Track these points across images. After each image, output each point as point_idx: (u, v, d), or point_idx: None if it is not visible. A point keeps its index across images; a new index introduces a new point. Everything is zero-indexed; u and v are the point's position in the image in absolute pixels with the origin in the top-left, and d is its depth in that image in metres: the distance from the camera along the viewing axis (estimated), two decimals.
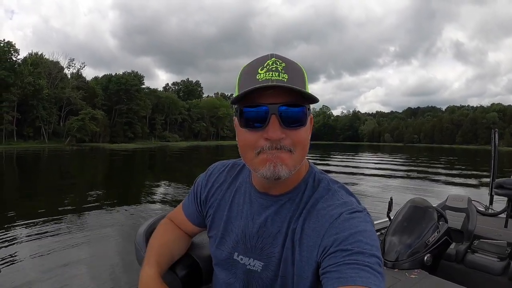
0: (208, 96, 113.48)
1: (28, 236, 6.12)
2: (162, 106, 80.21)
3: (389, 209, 2.89)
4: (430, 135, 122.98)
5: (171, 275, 0.96)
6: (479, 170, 20.51)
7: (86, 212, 8.14)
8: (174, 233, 1.00)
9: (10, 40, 52.60)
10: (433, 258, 2.33)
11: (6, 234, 6.17)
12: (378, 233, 2.95)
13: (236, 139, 0.79)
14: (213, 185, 0.96)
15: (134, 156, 33.62)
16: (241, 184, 0.92)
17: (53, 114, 57.22)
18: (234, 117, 0.78)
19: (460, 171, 21.50)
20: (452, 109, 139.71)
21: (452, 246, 2.70)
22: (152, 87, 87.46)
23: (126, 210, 8.55)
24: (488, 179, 4.99)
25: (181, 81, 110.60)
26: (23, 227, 6.66)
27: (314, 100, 0.73)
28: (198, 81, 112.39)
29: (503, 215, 3.64)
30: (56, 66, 61.61)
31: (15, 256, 5.12)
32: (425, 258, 2.28)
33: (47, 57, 61.71)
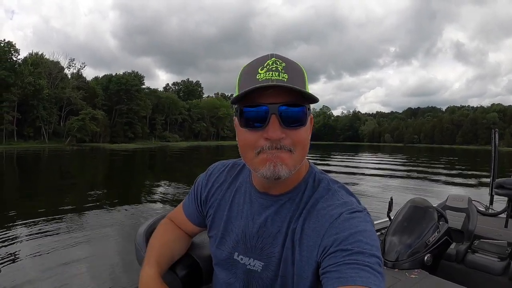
0: (208, 96, 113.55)
1: (29, 235, 6.13)
2: (163, 106, 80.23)
3: (389, 209, 2.89)
4: (430, 136, 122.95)
5: (171, 275, 0.96)
6: (479, 170, 20.50)
7: (87, 212, 8.15)
8: (174, 233, 1.00)
9: (11, 40, 52.82)
10: (434, 258, 2.33)
11: (7, 233, 6.18)
12: (378, 233, 2.95)
13: (236, 139, 0.79)
14: (213, 185, 0.96)
15: (134, 156, 33.63)
16: (241, 184, 0.92)
17: (54, 114, 57.24)
18: (234, 117, 0.78)
19: (460, 171, 21.50)
20: (452, 110, 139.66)
21: (453, 246, 2.70)
22: (152, 87, 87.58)
23: (126, 210, 8.55)
24: (488, 179, 4.99)
25: (181, 81, 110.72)
26: (23, 227, 6.67)
27: (314, 100, 0.73)
28: (198, 81, 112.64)
29: (504, 215, 3.63)
30: (56, 66, 61.63)
31: (16, 255, 5.14)
32: (425, 258, 2.28)
33: (47, 57, 61.83)
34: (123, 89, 68.15)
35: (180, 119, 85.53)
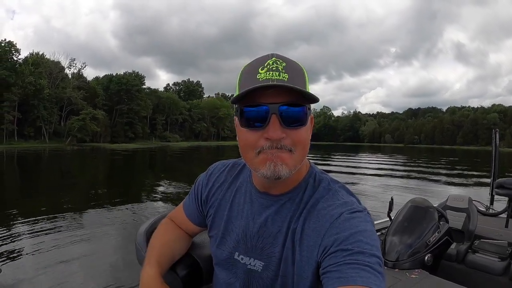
0: (209, 96, 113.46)
1: (30, 233, 6.15)
2: (163, 106, 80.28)
3: (390, 209, 2.89)
4: (430, 136, 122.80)
5: (171, 275, 0.96)
6: (480, 171, 20.50)
7: (87, 211, 8.17)
8: (175, 233, 1.00)
9: (11, 40, 52.61)
10: (434, 258, 2.33)
11: (8, 232, 6.20)
12: (379, 233, 2.95)
13: (237, 139, 0.79)
14: (214, 185, 0.96)
15: (134, 156, 33.66)
16: (242, 183, 0.92)
17: (54, 114, 57.31)
18: (234, 116, 0.78)
19: (461, 171, 21.50)
20: (452, 110, 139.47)
21: (453, 246, 2.70)
22: (153, 87, 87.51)
23: (127, 208, 8.56)
24: (488, 179, 4.99)
25: (182, 81, 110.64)
26: (25, 225, 6.70)
27: (314, 99, 0.73)
28: (199, 81, 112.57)
29: (504, 215, 3.63)
30: (57, 66, 61.67)
31: (17, 253, 5.16)
32: (426, 258, 2.28)
33: (48, 57, 61.85)
34: (123, 89, 68.18)
35: (180, 119, 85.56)
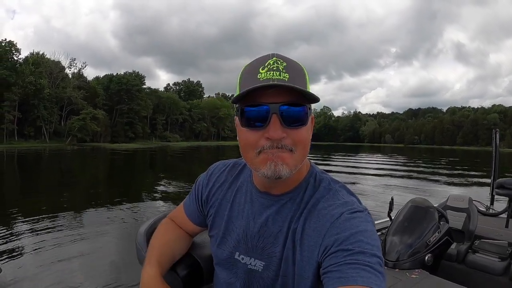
0: (209, 96, 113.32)
1: (30, 232, 6.17)
2: (163, 106, 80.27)
3: (390, 209, 2.89)
4: (431, 136, 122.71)
5: (172, 275, 0.96)
6: (480, 171, 20.51)
7: (87, 211, 8.19)
8: (175, 233, 1.00)
9: (12, 40, 52.42)
10: (434, 258, 2.33)
11: (8, 231, 6.21)
12: (379, 233, 2.95)
13: (237, 139, 0.79)
14: (214, 184, 0.96)
15: (135, 156, 33.68)
16: (242, 183, 0.92)
17: (54, 114, 57.32)
18: (235, 116, 0.78)
19: (461, 171, 21.49)
20: (453, 110, 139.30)
21: (453, 246, 2.70)
22: (153, 87, 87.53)
23: (127, 208, 8.57)
24: (488, 180, 4.99)
25: (182, 81, 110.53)
26: (25, 224, 6.72)
27: (315, 99, 0.73)
28: (199, 81, 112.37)
29: (504, 215, 3.63)
30: (57, 65, 61.64)
31: (17, 252, 5.18)
32: (426, 258, 2.28)
33: (48, 57, 61.81)
34: (123, 89, 68.17)
35: (180, 119, 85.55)
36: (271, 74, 0.70)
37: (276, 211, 0.82)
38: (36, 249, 5.28)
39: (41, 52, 61.25)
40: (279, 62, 0.72)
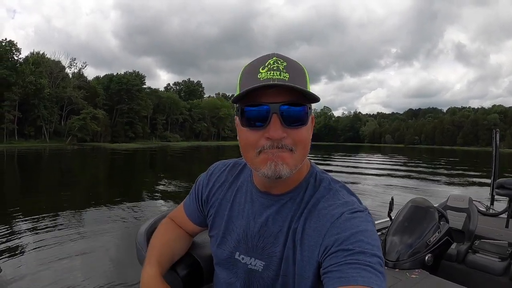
0: (209, 96, 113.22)
1: (30, 231, 6.19)
2: (163, 106, 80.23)
3: (390, 209, 2.89)
4: (431, 137, 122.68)
5: (172, 275, 0.96)
6: (480, 171, 20.50)
7: (88, 210, 8.19)
8: (175, 233, 1.00)
9: (12, 39, 52.40)
10: (434, 258, 2.32)
11: (9, 230, 6.22)
12: (379, 233, 2.95)
13: (238, 139, 0.79)
14: (214, 184, 0.96)
15: (135, 156, 33.67)
16: (243, 183, 0.92)
17: (55, 114, 57.32)
18: (235, 116, 0.78)
19: (461, 171, 21.49)
20: (453, 111, 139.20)
21: (453, 246, 2.70)
22: (153, 87, 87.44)
23: (128, 207, 8.56)
24: (488, 180, 4.99)
25: (183, 81, 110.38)
26: (25, 223, 6.72)
27: (315, 99, 0.73)
28: (200, 81, 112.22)
29: (504, 215, 3.63)
30: (57, 65, 61.62)
31: (18, 250, 5.20)
32: (426, 258, 2.28)
33: (48, 57, 61.77)
34: (124, 89, 68.12)
35: (181, 119, 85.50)
36: (271, 74, 0.70)
37: (276, 211, 0.82)
38: (36, 248, 5.29)
39: (41, 52, 61.28)
40: (280, 62, 0.72)
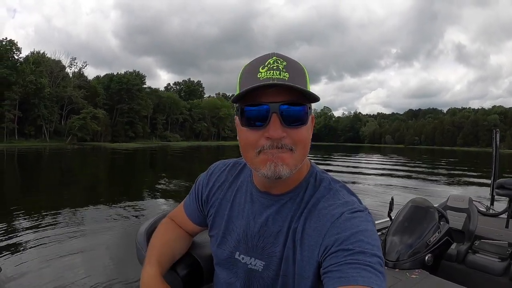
0: (209, 96, 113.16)
1: (30, 229, 6.18)
2: (164, 106, 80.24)
3: (390, 209, 2.89)
4: (431, 137, 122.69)
5: (172, 275, 0.96)
6: (480, 171, 20.50)
7: (88, 209, 8.18)
8: (175, 232, 1.00)
9: (12, 39, 52.56)
10: (434, 258, 2.32)
11: (9, 228, 6.23)
12: (379, 233, 2.95)
13: (237, 138, 0.78)
14: (214, 184, 0.96)
15: (135, 155, 33.67)
16: (242, 183, 0.92)
17: (55, 113, 57.33)
18: (235, 116, 0.78)
19: (461, 172, 21.49)
20: (453, 111, 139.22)
21: (453, 246, 2.70)
22: (153, 87, 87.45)
23: (128, 206, 8.56)
24: (488, 180, 4.99)
25: (183, 81, 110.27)
26: (25, 222, 6.73)
27: (315, 99, 0.73)
28: (200, 81, 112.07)
29: (504, 216, 3.63)
30: (58, 65, 61.61)
31: (18, 248, 5.21)
32: (426, 258, 2.28)
33: (49, 56, 61.75)
34: (124, 89, 68.11)
35: (181, 119, 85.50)
36: (271, 74, 0.70)
37: (276, 210, 0.82)
38: (36, 246, 5.30)
39: (41, 51, 61.30)
40: (279, 62, 0.72)
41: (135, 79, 71.28)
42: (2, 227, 6.22)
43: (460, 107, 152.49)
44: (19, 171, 18.21)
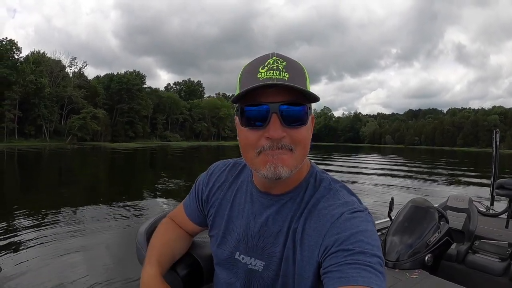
0: (209, 96, 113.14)
1: (30, 229, 6.19)
2: (164, 106, 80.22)
3: (390, 209, 2.89)
4: (431, 137, 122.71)
5: (172, 275, 0.96)
6: (480, 171, 20.50)
7: (88, 208, 8.18)
8: (175, 232, 1.00)
9: (12, 39, 52.51)
10: (434, 258, 2.32)
11: (9, 228, 6.24)
12: (379, 233, 2.95)
13: (237, 138, 0.78)
14: (214, 184, 0.96)
15: (135, 155, 33.68)
16: (243, 183, 0.92)
17: (55, 113, 57.33)
18: (235, 116, 0.78)
19: (461, 171, 21.49)
20: (453, 112, 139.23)
21: (453, 246, 2.70)
22: (153, 86, 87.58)
23: (128, 205, 8.57)
24: (488, 180, 4.99)
25: (183, 81, 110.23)
26: (25, 221, 6.75)
27: (315, 99, 0.73)
28: (200, 81, 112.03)
29: (504, 216, 3.63)
30: (58, 64, 61.56)
31: (18, 247, 5.22)
32: (426, 258, 2.28)
33: (49, 56, 61.70)
34: (124, 88, 68.10)
35: (181, 118, 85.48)
36: (271, 74, 0.70)
37: (276, 211, 0.82)
38: (36, 245, 5.31)
39: (41, 51, 61.23)
40: (279, 62, 0.72)
41: (135, 79, 71.27)
42: (2, 227, 6.23)
43: (460, 107, 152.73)
44: (19, 170, 18.22)
